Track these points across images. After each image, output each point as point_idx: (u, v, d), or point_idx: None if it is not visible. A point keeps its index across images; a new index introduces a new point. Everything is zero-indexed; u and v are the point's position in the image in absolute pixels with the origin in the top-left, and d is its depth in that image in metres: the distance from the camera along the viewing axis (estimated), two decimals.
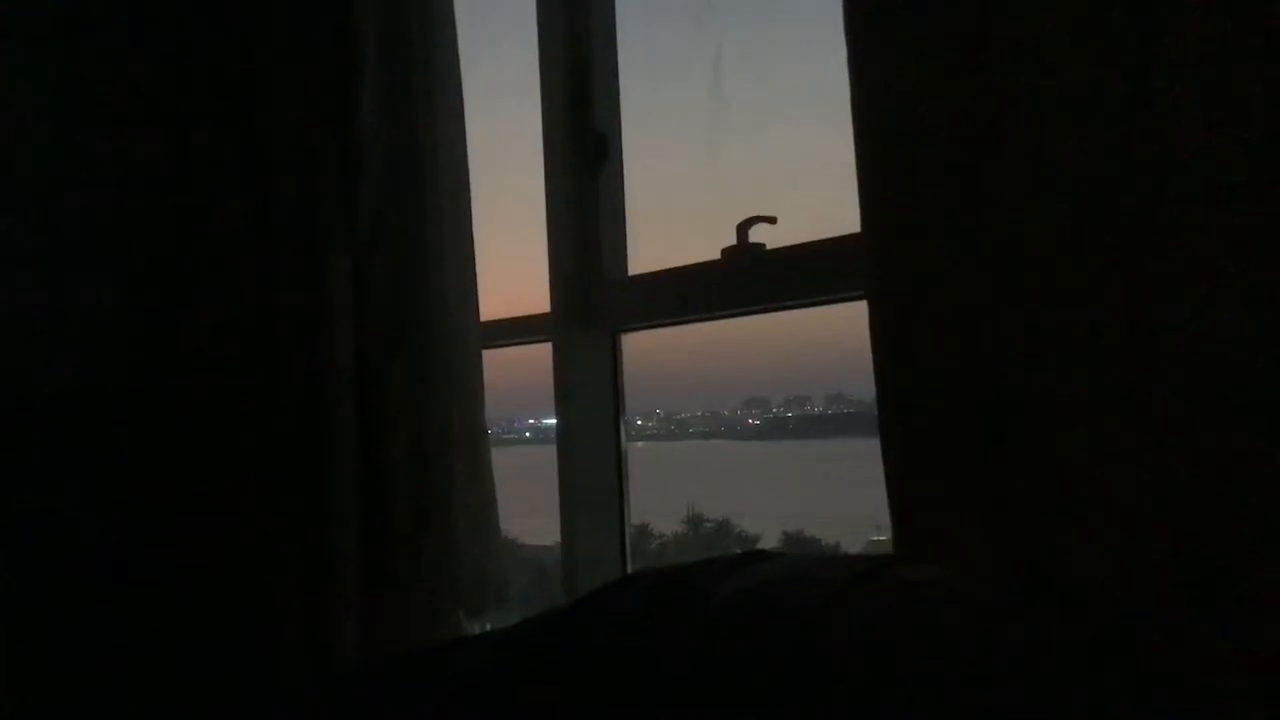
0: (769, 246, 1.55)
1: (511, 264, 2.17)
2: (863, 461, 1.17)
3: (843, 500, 2.30)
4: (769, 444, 2.62)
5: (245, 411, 1.66)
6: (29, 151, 1.75)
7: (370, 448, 1.63)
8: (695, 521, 2.58)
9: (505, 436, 2.76)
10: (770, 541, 2.53)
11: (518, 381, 2.27)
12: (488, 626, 1.80)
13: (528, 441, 2.74)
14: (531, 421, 2.71)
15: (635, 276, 1.78)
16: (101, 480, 1.68)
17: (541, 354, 1.87)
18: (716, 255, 1.60)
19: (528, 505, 2.33)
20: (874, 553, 1.12)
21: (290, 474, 1.62)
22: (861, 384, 1.13)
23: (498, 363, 2.03)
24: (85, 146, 1.76)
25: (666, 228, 1.83)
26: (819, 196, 1.59)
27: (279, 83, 1.69)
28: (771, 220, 1.56)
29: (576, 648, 0.97)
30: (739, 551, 1.04)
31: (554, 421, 1.86)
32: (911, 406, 1.06)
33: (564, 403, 1.81)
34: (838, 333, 1.60)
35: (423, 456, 1.65)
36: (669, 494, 2.58)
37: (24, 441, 1.68)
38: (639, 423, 2.59)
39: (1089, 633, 0.76)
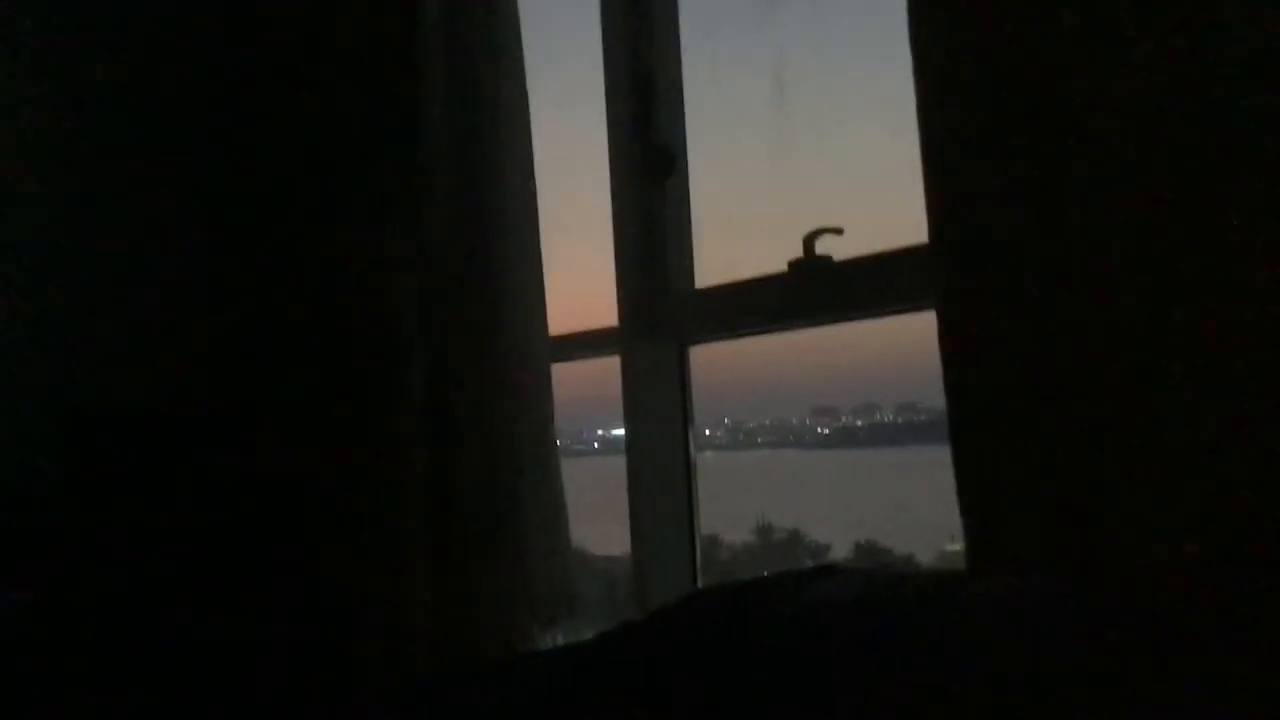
0: (836, 258, 1.54)
1: (578, 276, 2.19)
2: (935, 469, 1.16)
3: (915, 509, 2.28)
4: (839, 453, 2.60)
5: (319, 429, 1.68)
6: (109, 163, 1.78)
7: (441, 461, 1.64)
8: (765, 532, 2.57)
9: (574, 447, 2.77)
10: (842, 551, 2.52)
11: (585, 392, 2.28)
12: (560, 639, 1.81)
13: (596, 453, 2.74)
14: (600, 432, 2.72)
15: (702, 289, 1.78)
16: (182, 497, 1.71)
17: (609, 365, 1.88)
18: (783, 266, 1.59)
19: (597, 516, 2.33)
20: (943, 568, 1.11)
21: (363, 489, 1.64)
22: (933, 391, 1.12)
23: (565, 374, 2.05)
24: (164, 164, 1.79)
25: (732, 239, 1.83)
26: (886, 205, 1.58)
27: (345, 102, 1.71)
28: (838, 231, 1.55)
29: (646, 663, 0.97)
30: (809, 566, 1.03)
31: (621, 432, 1.86)
32: (982, 417, 1.05)
33: (633, 415, 1.82)
34: (907, 341, 1.59)
35: (493, 470, 1.66)
36: (738, 504, 2.57)
37: (108, 452, 1.72)
38: (707, 433, 2.59)
39: (1156, 656, 0.74)
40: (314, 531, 1.68)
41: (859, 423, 2.60)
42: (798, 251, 1.57)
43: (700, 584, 1.83)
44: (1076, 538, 0.96)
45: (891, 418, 2.52)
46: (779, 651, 0.85)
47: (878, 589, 0.95)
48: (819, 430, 2.64)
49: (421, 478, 1.62)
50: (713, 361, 1.88)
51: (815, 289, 1.55)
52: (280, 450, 1.71)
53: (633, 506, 1.83)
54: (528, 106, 1.73)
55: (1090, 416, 0.95)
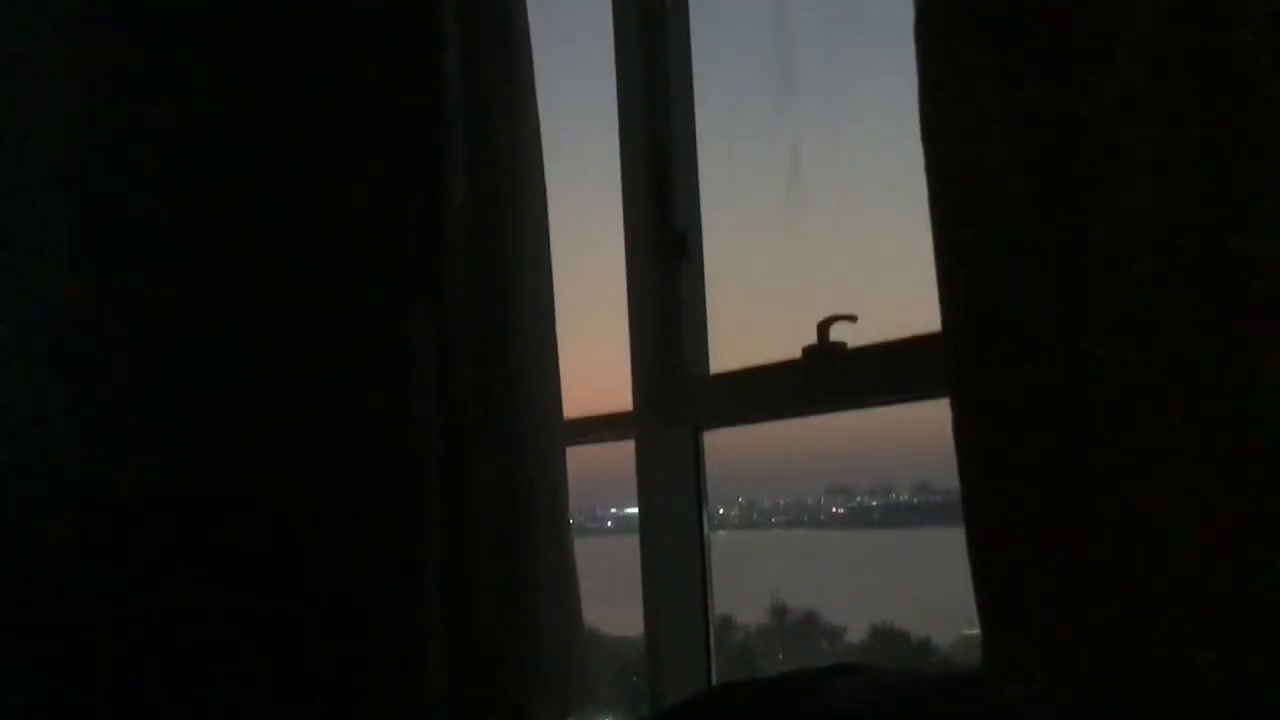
0: (850, 345, 1.54)
1: (593, 357, 2.19)
2: (952, 551, 1.15)
3: (932, 591, 2.25)
4: (854, 533, 2.58)
5: (335, 510, 1.68)
6: (137, 254, 1.80)
7: (456, 544, 1.64)
8: (779, 613, 2.54)
9: (588, 526, 2.75)
10: (858, 634, 2.48)
11: (600, 470, 2.27)
12: None
13: (610, 531, 2.73)
14: (614, 510, 2.70)
15: (717, 375, 1.78)
16: (195, 574, 1.71)
17: (625, 444, 1.88)
18: (797, 351, 1.59)
19: (609, 596, 2.31)
20: (961, 669, 1.09)
21: (378, 570, 1.63)
22: (948, 473, 1.12)
23: (580, 451, 2.04)
24: (180, 243, 1.81)
25: (747, 323, 1.83)
26: (902, 292, 1.58)
27: (369, 183, 1.73)
28: (852, 319, 1.55)
29: None
30: (825, 665, 1.01)
31: (635, 511, 1.85)
32: (996, 505, 1.04)
33: (647, 499, 1.81)
34: (923, 422, 1.58)
35: (508, 554, 1.66)
36: (752, 584, 2.55)
37: (124, 535, 1.72)
38: (721, 511, 2.57)
39: None
40: (321, 612, 1.67)
41: (874, 503, 2.58)
42: (812, 337, 1.57)
43: (714, 667, 1.80)
44: (1093, 624, 0.95)
45: (907, 498, 2.50)
46: None
47: (897, 691, 0.93)
48: (834, 510, 2.62)
49: (436, 559, 1.61)
50: (728, 442, 1.88)
51: (829, 376, 1.55)
52: (298, 533, 1.70)
53: (646, 590, 1.82)
54: (545, 188, 1.75)
55: (1107, 504, 0.94)
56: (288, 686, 1.67)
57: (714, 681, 1.79)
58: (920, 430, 1.69)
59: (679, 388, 1.78)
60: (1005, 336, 1.03)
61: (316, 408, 1.72)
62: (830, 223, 1.69)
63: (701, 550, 1.81)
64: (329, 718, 1.66)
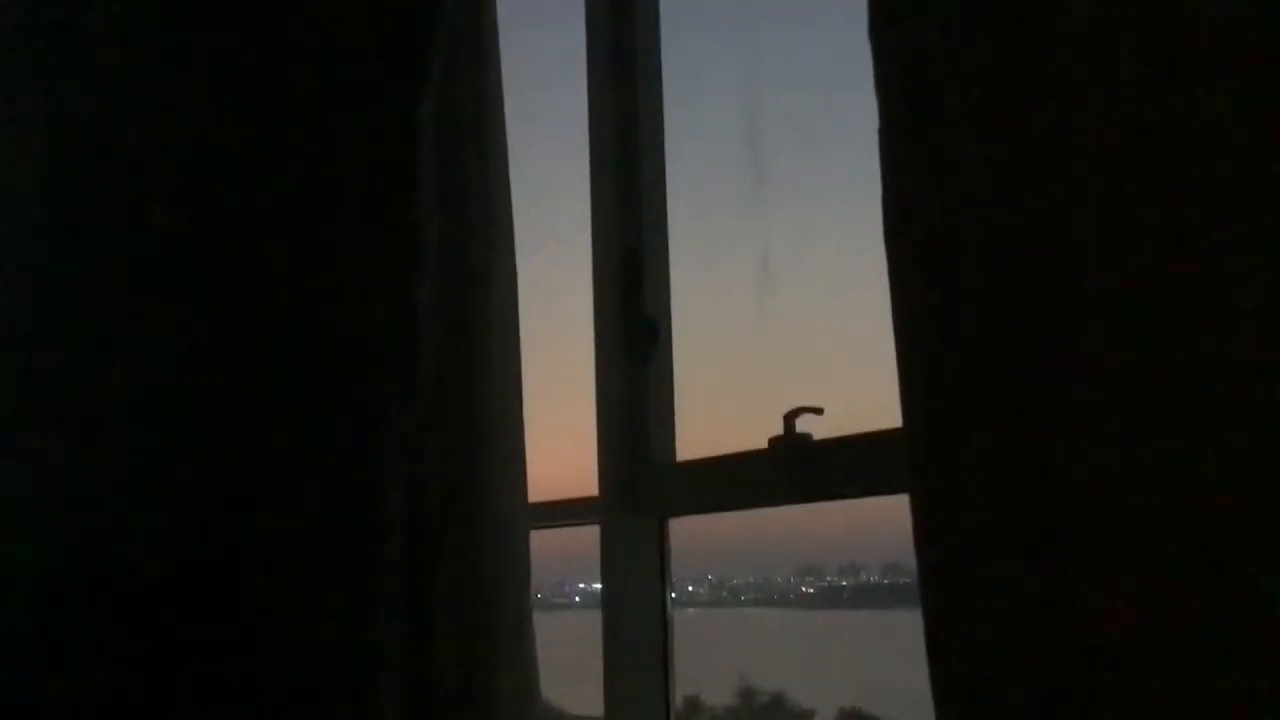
0: (816, 437, 1.55)
1: (559, 442, 2.19)
2: (920, 634, 1.15)
3: (901, 675, 2.25)
4: (823, 613, 2.58)
5: (295, 596, 1.66)
6: (75, 325, 1.79)
7: (418, 633, 1.63)
8: (747, 695, 2.53)
9: (555, 601, 2.74)
10: (826, 716, 2.47)
11: (568, 546, 2.27)
12: None
13: (577, 605, 2.72)
14: (581, 586, 2.69)
15: (683, 462, 1.79)
16: (150, 662, 1.69)
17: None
18: (764, 442, 1.60)
19: (575, 673, 2.30)
20: None
21: (338, 661, 1.62)
22: None
23: (546, 531, 2.04)
24: (135, 323, 1.79)
25: (714, 414, 1.84)
26: (868, 386, 1.59)
27: (338, 265, 1.73)
28: (818, 411, 1.56)
29: None
30: None
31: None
32: (957, 607, 1.04)
33: (610, 584, 1.81)
34: (892, 506, 1.59)
35: (471, 644, 1.65)
36: (720, 664, 2.54)
37: (82, 611, 1.70)
38: (690, 589, 2.57)
39: None
40: (283, 700, 1.65)
41: (844, 583, 2.58)
42: (778, 428, 1.58)
43: None
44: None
45: (877, 578, 2.51)
46: None
47: None
48: (803, 589, 2.62)
49: (398, 648, 1.60)
50: (699, 521, 1.88)
51: (795, 468, 1.56)
52: (255, 615, 1.69)
53: (607, 675, 1.81)
54: (516, 274, 1.76)
55: (1067, 600, 0.94)
56: None
57: None
58: (890, 513, 1.69)
59: (645, 475, 1.79)
60: (964, 435, 1.04)
61: (279, 492, 1.71)
62: (798, 316, 1.71)
63: (665, 636, 1.80)
64: None
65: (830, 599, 2.61)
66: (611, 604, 1.82)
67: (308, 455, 1.71)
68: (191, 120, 1.74)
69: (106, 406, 1.76)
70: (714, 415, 1.84)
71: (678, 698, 1.85)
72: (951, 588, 1.05)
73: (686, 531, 1.86)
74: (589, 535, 1.89)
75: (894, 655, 2.34)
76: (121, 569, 1.71)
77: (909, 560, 1.08)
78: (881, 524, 1.88)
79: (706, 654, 2.39)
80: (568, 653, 2.39)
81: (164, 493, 1.75)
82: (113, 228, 1.74)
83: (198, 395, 1.77)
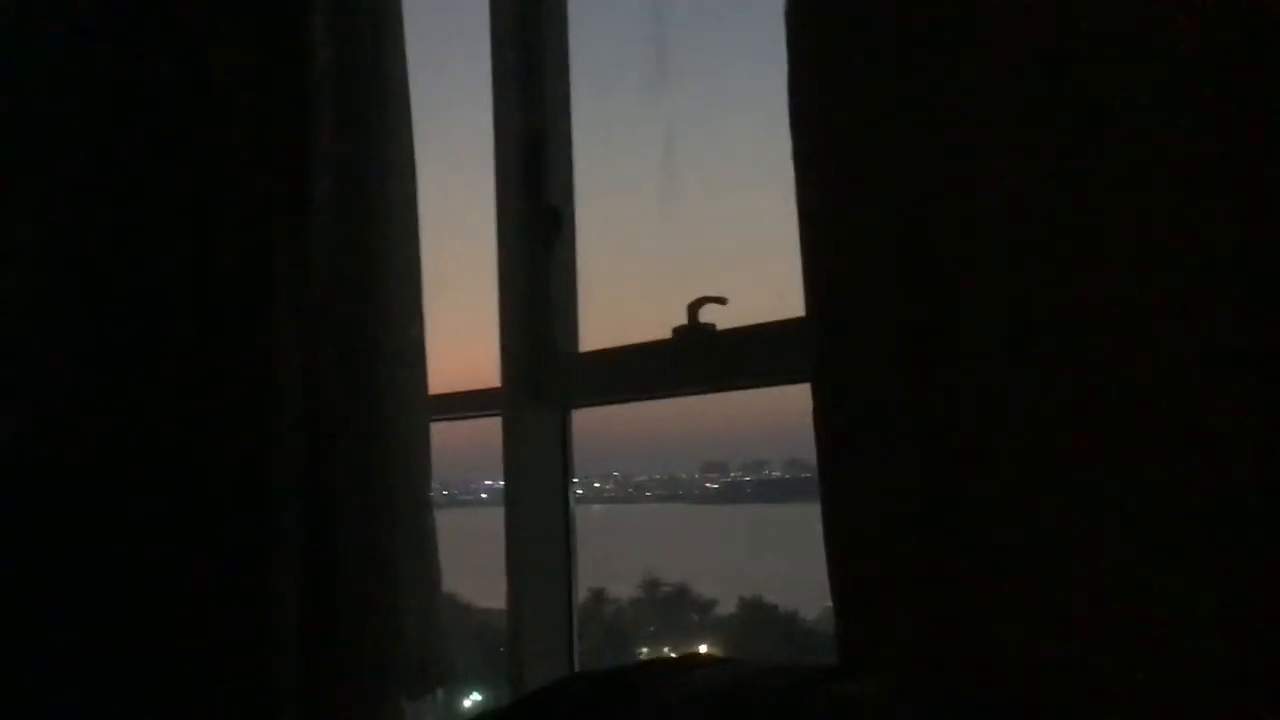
0: (720, 327, 1.54)
1: (461, 334, 2.16)
2: (820, 526, 1.16)
3: (800, 566, 2.29)
4: (727, 508, 2.61)
5: (188, 488, 1.63)
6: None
7: (318, 524, 1.61)
8: (652, 586, 2.56)
9: (462, 498, 2.73)
10: (728, 607, 2.51)
11: (474, 443, 2.25)
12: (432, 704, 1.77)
13: (485, 503, 2.71)
14: (488, 483, 2.68)
15: (586, 353, 1.77)
16: (47, 559, 1.65)
17: (497, 419, 1.86)
18: (668, 332, 1.59)
19: (480, 568, 2.30)
20: (812, 661, 1.10)
21: (233, 550, 1.59)
22: None
23: (455, 425, 2.01)
24: (56, 237, 1.73)
25: (618, 303, 1.82)
26: (772, 275, 1.58)
27: (230, 140, 1.67)
28: (722, 301, 1.55)
29: None
30: (679, 655, 1.03)
31: None
32: (851, 492, 1.05)
33: (513, 476, 1.80)
34: (795, 399, 1.59)
35: (371, 532, 1.63)
36: (626, 558, 2.56)
37: None
38: (595, 485, 2.57)
39: None
40: (174, 596, 1.62)
41: (747, 478, 2.61)
42: (682, 318, 1.57)
43: (576, 643, 1.81)
44: (941, 609, 0.97)
45: (780, 474, 2.53)
46: None
47: (745, 684, 0.94)
48: (707, 485, 2.65)
49: (296, 540, 1.58)
50: (603, 417, 1.87)
51: (698, 357, 1.55)
52: (153, 505, 1.65)
53: (510, 566, 1.81)
54: (414, 158, 1.71)
55: (960, 488, 0.95)
56: (134, 658, 1.62)
57: (575, 657, 1.79)
58: (792, 407, 1.70)
59: (548, 365, 1.77)
60: (864, 326, 1.04)
61: (177, 379, 1.67)
62: (703, 205, 1.69)
63: (567, 527, 1.80)
64: (177, 686, 1.62)
65: (733, 494, 2.63)
66: (514, 495, 1.81)
67: (201, 349, 1.66)
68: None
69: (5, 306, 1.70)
70: (618, 305, 1.82)
71: (582, 591, 1.85)
72: (846, 477, 1.06)
73: (591, 429, 1.85)
74: (498, 433, 1.87)
75: (793, 547, 2.38)
76: (11, 461, 1.67)
77: (811, 455, 1.09)
78: (785, 419, 1.89)
79: (611, 548, 2.40)
80: (475, 547, 2.39)
81: (60, 387, 1.70)
82: None
83: (93, 289, 1.71)
